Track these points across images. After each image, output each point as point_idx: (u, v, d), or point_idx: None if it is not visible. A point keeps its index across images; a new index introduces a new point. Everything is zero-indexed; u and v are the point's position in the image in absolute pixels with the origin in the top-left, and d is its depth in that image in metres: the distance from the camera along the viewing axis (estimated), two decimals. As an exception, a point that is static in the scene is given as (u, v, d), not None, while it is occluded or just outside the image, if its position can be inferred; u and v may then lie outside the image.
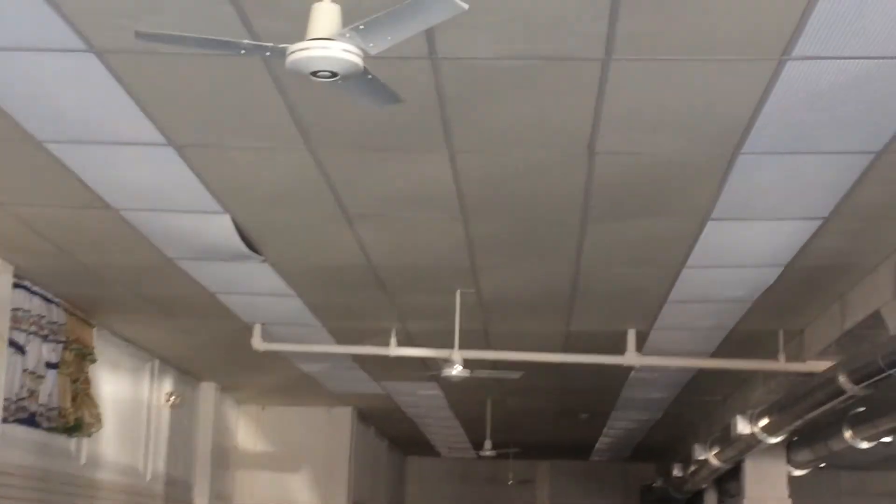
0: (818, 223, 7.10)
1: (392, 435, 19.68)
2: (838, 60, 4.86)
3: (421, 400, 15.34)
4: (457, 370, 9.69)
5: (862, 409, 10.92)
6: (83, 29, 4.73)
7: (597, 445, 20.08)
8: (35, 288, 9.04)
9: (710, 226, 7.21)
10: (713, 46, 4.76)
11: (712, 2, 4.38)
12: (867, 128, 5.57)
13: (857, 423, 11.28)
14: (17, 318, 8.78)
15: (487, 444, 16.85)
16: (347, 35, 3.46)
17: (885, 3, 4.35)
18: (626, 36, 4.66)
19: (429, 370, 11.01)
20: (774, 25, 4.57)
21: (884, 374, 7.46)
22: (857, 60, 4.86)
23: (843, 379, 8.18)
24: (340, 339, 10.90)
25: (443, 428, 18.35)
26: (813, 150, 5.91)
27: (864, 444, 11.48)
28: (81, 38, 4.82)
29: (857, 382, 8.03)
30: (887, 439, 11.10)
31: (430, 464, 23.02)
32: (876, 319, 8.08)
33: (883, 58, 4.82)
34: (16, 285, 8.68)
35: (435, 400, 15.25)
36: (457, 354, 9.64)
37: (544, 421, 17.20)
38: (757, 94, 5.21)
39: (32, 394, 9.11)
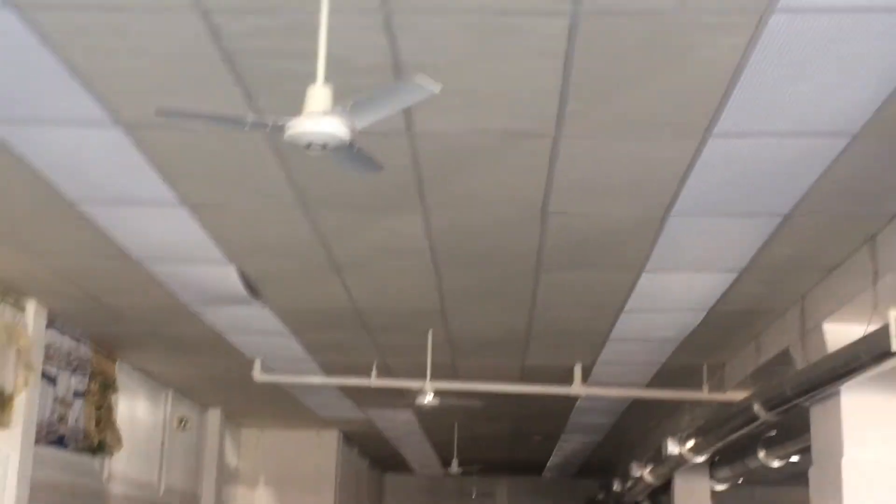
0: (735, 274, 7.12)
1: (372, 455, 19.53)
2: (753, 137, 4.89)
3: (398, 424, 15.24)
4: (428, 399, 9.64)
5: (773, 432, 10.90)
6: (111, 105, 4.71)
7: (548, 464, 19.98)
8: (65, 328, 8.97)
9: (644, 276, 7.21)
10: (646, 124, 4.78)
11: (645, 86, 4.40)
12: (777, 194, 5.60)
13: (769, 444, 11.25)
14: (49, 354, 8.72)
15: (454, 462, 16.75)
16: (337, 113, 3.46)
17: (793, 89, 4.39)
18: (573, 115, 4.67)
19: (404, 398, 10.96)
20: (698, 107, 4.60)
21: (791, 403, 7.45)
22: (769, 137, 4.89)
23: (757, 407, 8.16)
24: (329, 372, 10.83)
25: (416, 449, 18.22)
26: (731, 213, 5.93)
27: (776, 463, 11.43)
28: (109, 113, 4.80)
29: (769, 410, 8.02)
30: (795, 459, 11.06)
31: (404, 480, 22.84)
32: (785, 356, 8.09)
33: (790, 136, 4.86)
34: (48, 325, 8.62)
35: (409, 424, 15.15)
36: (428, 385, 9.59)
37: (503, 442, 17.11)
38: (684, 164, 5.24)
39: (62, 419, 9.03)
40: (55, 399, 8.89)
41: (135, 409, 11.22)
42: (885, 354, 5.86)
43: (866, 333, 6.19)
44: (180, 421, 12.68)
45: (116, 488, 10.79)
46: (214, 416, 14.10)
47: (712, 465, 13.19)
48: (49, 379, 8.75)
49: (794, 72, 4.24)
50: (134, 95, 4.59)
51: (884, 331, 5.76)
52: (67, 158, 5.38)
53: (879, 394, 6.87)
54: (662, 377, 10.58)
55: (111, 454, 10.25)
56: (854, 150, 4.97)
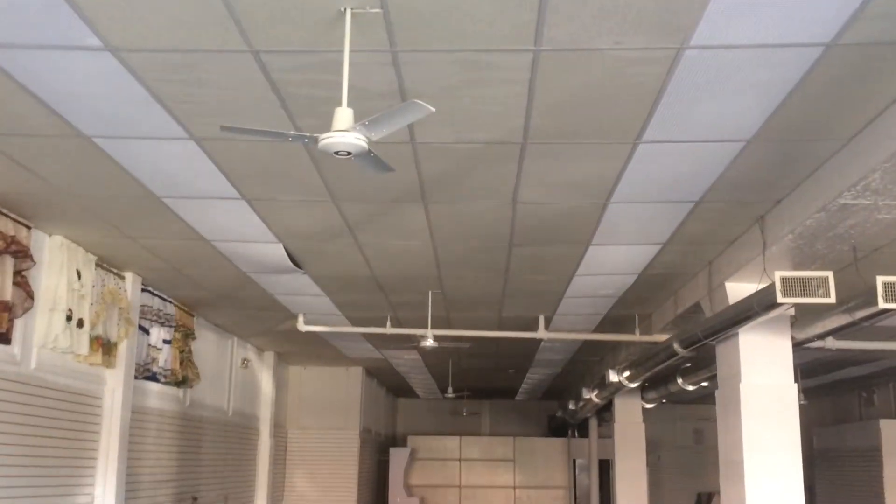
0: (659, 246, 7.12)
1: (388, 384, 19.56)
2: (672, 143, 4.88)
3: (406, 361, 15.25)
4: (429, 342, 9.65)
5: (688, 364, 10.95)
6: (187, 124, 4.70)
7: (520, 389, 20.04)
8: (156, 291, 8.96)
9: (591, 249, 7.20)
10: (592, 133, 4.77)
11: (590, 104, 4.38)
12: (690, 186, 5.59)
13: (685, 374, 11.31)
14: (144, 312, 8.71)
15: (450, 389, 16.79)
16: (358, 128, 3.45)
17: (702, 107, 4.38)
18: (536, 127, 4.67)
19: (411, 342, 10.96)
20: (630, 120, 4.59)
21: (702, 342, 7.47)
22: (684, 143, 4.88)
23: (676, 345, 8.19)
24: (355, 323, 10.83)
25: (420, 379, 18.26)
26: (656, 200, 5.91)
27: (690, 387, 11.50)
28: (185, 130, 4.78)
29: (685, 348, 8.05)
30: (704, 384, 11.12)
31: (412, 402, 22.88)
32: (697, 308, 8.11)
33: (699, 141, 4.85)
34: (143, 290, 8.61)
35: (415, 361, 15.18)
36: (429, 332, 9.60)
37: (486, 374, 17.14)
38: (620, 164, 5.23)
39: (154, 360, 9.03)
40: (148, 345, 8.89)
41: (209, 353, 11.21)
42: (772, 305, 5.89)
43: (758, 289, 6.22)
44: (243, 361, 12.68)
45: (196, 412, 10.80)
46: (269, 357, 14.09)
47: (643, 389, 13.26)
48: (144, 330, 8.75)
49: (702, 93, 4.23)
50: (204, 117, 4.57)
51: (771, 288, 5.79)
52: (155, 165, 5.36)
53: (767, 335, 6.91)
54: (605, 324, 10.60)
55: (191, 386, 10.26)
56: (748, 151, 4.97)
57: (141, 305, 8.59)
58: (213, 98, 4.34)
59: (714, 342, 7.36)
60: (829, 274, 5.58)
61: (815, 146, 4.89)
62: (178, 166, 5.38)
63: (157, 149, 5.09)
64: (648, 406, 13.91)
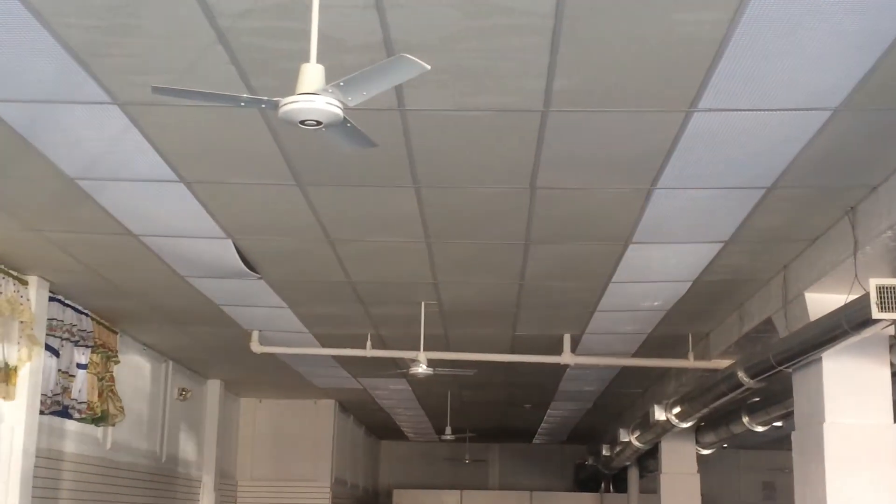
0: (720, 245, 7.13)
1: (368, 422, 19.60)
2: (736, 111, 4.89)
3: (392, 393, 15.28)
4: (422, 368, 9.66)
5: (757, 399, 10.98)
6: (108, 84, 4.69)
7: (538, 430, 20.07)
8: (68, 301, 8.96)
9: (631, 248, 7.22)
10: (633, 99, 4.78)
11: (630, 61, 4.39)
12: (760, 167, 5.61)
13: (753, 410, 11.34)
14: (52, 327, 8.71)
15: (448, 429, 16.82)
16: (330, 90, 3.44)
17: (776, 64, 4.39)
18: (560, 91, 4.67)
19: (398, 368, 10.97)
20: (683, 81, 4.59)
21: (775, 370, 7.50)
22: (752, 112, 4.89)
23: (741, 374, 8.21)
24: (325, 343, 10.85)
25: (410, 416, 18.29)
26: (716, 186, 5.93)
27: (759, 428, 11.54)
28: (106, 92, 4.78)
29: (752, 377, 8.07)
30: (778, 424, 11.15)
31: (400, 446, 22.94)
32: (768, 325, 8.13)
33: (772, 110, 4.86)
34: (51, 299, 8.60)
35: (404, 393, 15.20)
36: (422, 355, 9.61)
37: (495, 410, 17.17)
38: (669, 138, 5.24)
39: (65, 390, 9.03)
40: (58, 371, 8.88)
41: (136, 380, 11.22)
42: (866, 322, 5.90)
43: (847, 302, 6.22)
44: (180, 392, 12.70)
45: (119, 457, 10.81)
46: (214, 387, 14.12)
47: (698, 431, 13.29)
48: (52, 351, 8.74)
49: (776, 47, 4.23)
50: (130, 75, 4.57)
51: (864, 299, 5.79)
52: (66, 135, 5.36)
53: (859, 360, 6.92)
54: (649, 346, 10.62)
55: (113, 424, 10.26)
56: (835, 123, 4.97)
57: (48, 319, 8.59)
58: (143, 51, 4.33)
59: (790, 370, 7.37)
60: (940, 282, 5.59)
61: (922, 116, 4.91)
62: (96, 139, 5.38)
63: (68, 116, 5.09)
64: (705, 452, 13.93)
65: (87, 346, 9.35)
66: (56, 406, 8.88)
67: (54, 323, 8.74)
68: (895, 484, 6.74)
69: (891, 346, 7.00)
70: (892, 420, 6.89)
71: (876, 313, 5.66)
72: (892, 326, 6.25)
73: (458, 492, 20.76)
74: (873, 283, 5.68)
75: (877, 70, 4.41)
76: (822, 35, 4.13)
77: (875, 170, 5.59)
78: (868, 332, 6.12)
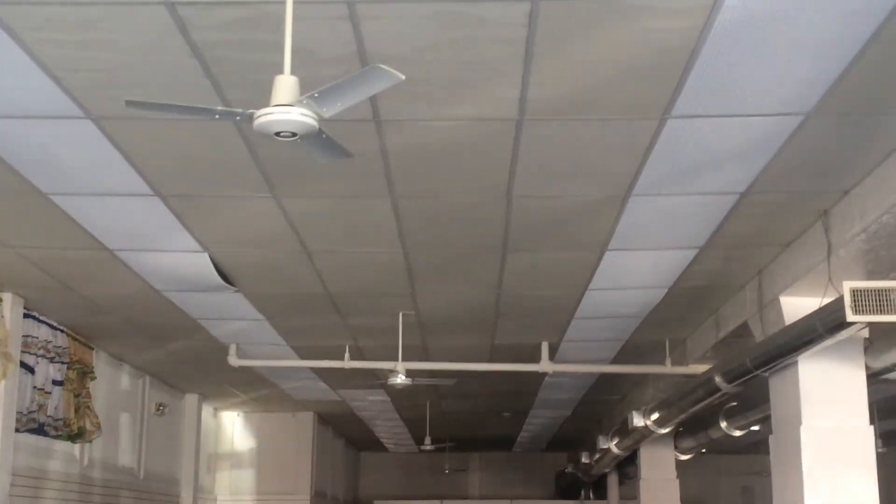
0: (695, 251, 7.16)
1: (347, 434, 19.54)
2: (709, 118, 4.92)
3: (371, 404, 15.25)
4: (401, 379, 9.63)
5: (734, 403, 11.00)
6: (81, 98, 4.67)
7: (518, 439, 20.06)
8: (42, 317, 8.91)
9: (607, 255, 7.24)
10: (607, 107, 4.79)
11: (604, 69, 4.41)
12: (733, 173, 5.63)
13: (730, 415, 11.36)
14: (27, 344, 8.66)
15: (427, 439, 16.78)
16: (305, 102, 3.45)
17: (748, 71, 4.41)
18: (535, 100, 4.68)
19: (377, 379, 10.95)
20: (656, 89, 4.61)
21: (751, 374, 7.51)
22: (725, 118, 4.92)
23: (718, 379, 8.22)
24: (302, 355, 10.81)
25: (389, 427, 18.24)
26: (690, 192, 5.96)
27: (737, 433, 11.56)
28: (79, 107, 4.76)
29: (729, 381, 8.08)
30: (755, 428, 11.18)
31: (380, 458, 22.87)
32: (744, 329, 8.16)
33: (745, 115, 4.89)
34: (26, 315, 8.55)
35: (383, 404, 15.17)
36: (400, 366, 9.59)
37: (474, 419, 17.15)
38: (643, 145, 5.25)
39: (41, 407, 8.97)
40: (34, 388, 8.82)
41: (113, 396, 11.15)
42: (840, 325, 5.93)
43: (822, 305, 6.25)
44: (158, 407, 12.63)
45: (96, 474, 10.74)
46: (192, 401, 14.04)
47: (676, 436, 13.30)
48: (27, 368, 8.68)
49: (747, 54, 4.26)
50: (103, 89, 4.55)
51: (838, 302, 5.82)
52: (38, 150, 5.33)
53: (835, 363, 6.95)
54: (626, 353, 10.64)
55: (90, 440, 10.19)
56: (807, 128, 5.01)
57: (23, 336, 8.53)
58: (116, 65, 4.32)
59: (767, 374, 7.40)
60: (913, 284, 5.63)
61: (892, 121, 4.94)
62: (70, 153, 5.35)
63: (41, 130, 5.06)
64: (684, 458, 13.95)
65: (62, 363, 9.30)
66: (32, 423, 8.82)
67: (29, 340, 8.68)
68: (872, 486, 6.77)
69: (866, 349, 7.04)
70: (867, 422, 6.92)
71: (850, 316, 5.69)
72: (867, 329, 6.29)
73: (438, 502, 20.71)
74: (847, 286, 5.72)
75: (847, 75, 4.45)
76: (793, 42, 4.16)
77: (847, 174, 5.63)
78: (843, 335, 6.15)
